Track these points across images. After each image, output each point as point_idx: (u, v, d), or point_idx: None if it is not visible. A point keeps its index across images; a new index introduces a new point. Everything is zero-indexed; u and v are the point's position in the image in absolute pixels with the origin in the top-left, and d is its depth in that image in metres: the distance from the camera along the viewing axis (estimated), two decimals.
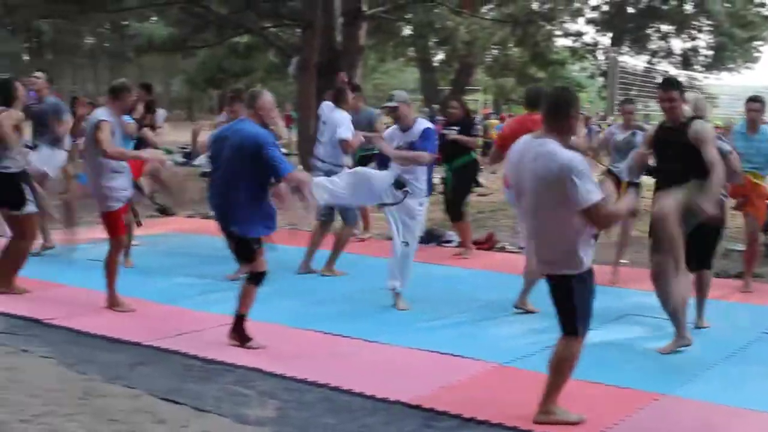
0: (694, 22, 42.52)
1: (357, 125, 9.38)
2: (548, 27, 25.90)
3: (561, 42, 37.29)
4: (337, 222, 9.45)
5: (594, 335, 5.11)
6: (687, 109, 6.69)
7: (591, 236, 4.86)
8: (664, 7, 41.88)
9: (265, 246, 6.58)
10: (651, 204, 6.78)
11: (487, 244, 11.13)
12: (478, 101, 41.77)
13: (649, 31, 44.06)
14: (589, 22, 43.78)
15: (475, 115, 12.03)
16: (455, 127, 10.51)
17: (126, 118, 8.12)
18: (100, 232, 7.87)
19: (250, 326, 6.49)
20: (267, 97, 6.52)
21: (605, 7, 43.62)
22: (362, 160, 10.17)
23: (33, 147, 9.53)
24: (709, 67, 43.29)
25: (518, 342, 6.77)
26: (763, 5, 39.12)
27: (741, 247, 9.02)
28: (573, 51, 41.21)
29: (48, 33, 50.69)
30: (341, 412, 5.21)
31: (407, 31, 30.00)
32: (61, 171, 10.09)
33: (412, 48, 34.26)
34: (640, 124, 9.37)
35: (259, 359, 6.13)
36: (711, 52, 43.31)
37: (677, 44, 44.39)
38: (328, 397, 5.47)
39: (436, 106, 29.33)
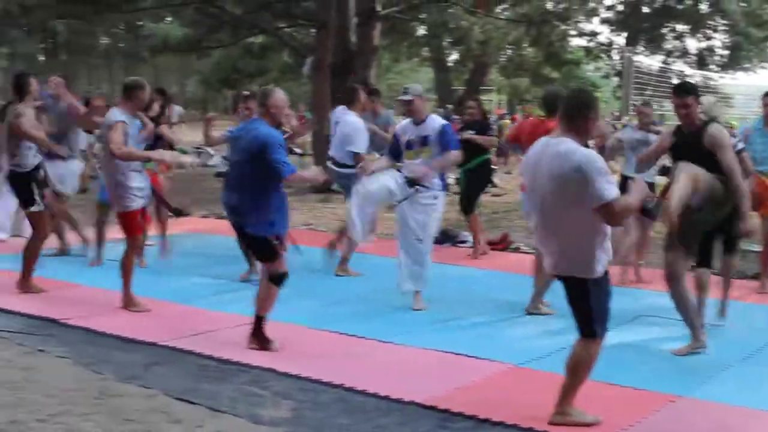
0: (709, 22, 42.39)
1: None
2: (563, 27, 25.84)
3: (576, 42, 37.27)
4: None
5: (610, 336, 5.09)
6: (702, 113, 6.65)
7: (606, 237, 4.83)
8: (679, 7, 41.78)
9: (290, 247, 6.58)
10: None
11: (502, 244, 11.11)
12: (492, 101, 41.74)
13: (664, 30, 43.97)
14: (604, 21, 43.73)
15: (490, 116, 12.01)
16: (472, 130, 10.50)
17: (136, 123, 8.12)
18: (117, 233, 7.90)
19: (266, 326, 6.48)
20: (279, 95, 6.47)
21: (620, 7, 43.56)
22: None
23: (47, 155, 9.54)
24: (725, 66, 43.16)
25: (533, 343, 6.75)
26: None
27: (758, 248, 8.98)
28: (588, 51, 41.16)
29: (63, 33, 50.90)
30: (356, 413, 5.21)
31: (421, 31, 30.01)
32: (79, 178, 10.06)
33: (427, 48, 34.26)
34: (658, 129, 9.32)
35: (273, 359, 6.14)
36: (726, 52, 43.17)
37: (692, 44, 44.33)
38: (343, 397, 5.47)
39: (450, 106, 29.28)
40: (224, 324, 7.07)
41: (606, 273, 4.86)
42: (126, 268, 7.53)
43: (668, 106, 28.39)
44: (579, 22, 32.45)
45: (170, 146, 9.40)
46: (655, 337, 6.99)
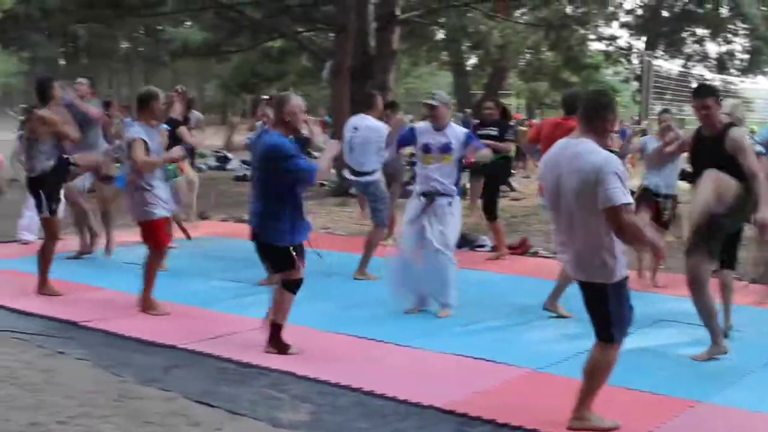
0: (729, 26, 42.23)
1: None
2: (582, 31, 25.74)
3: (595, 46, 37.09)
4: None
5: (629, 341, 5.07)
6: (724, 116, 6.60)
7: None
8: (700, 11, 41.60)
9: (311, 251, 6.59)
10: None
11: (521, 248, 11.09)
12: (510, 105, 41.67)
13: (684, 34, 43.81)
14: (623, 25, 43.62)
15: (512, 121, 11.95)
16: (493, 128, 10.45)
17: (163, 125, 8.20)
18: (135, 236, 7.94)
19: (284, 330, 6.48)
20: (295, 101, 6.42)
21: (640, 11, 43.42)
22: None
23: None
24: (745, 71, 42.95)
25: (552, 347, 6.74)
26: None
27: None
28: (607, 55, 40.98)
29: (84, 38, 51.15)
30: (374, 417, 5.21)
31: (440, 35, 29.98)
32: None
33: (445, 52, 34.22)
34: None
35: (292, 363, 6.15)
36: (747, 56, 42.98)
37: (712, 48, 44.15)
38: (362, 401, 5.47)
39: (468, 110, 29.26)
40: (243, 327, 7.08)
41: (625, 278, 4.84)
42: (149, 274, 7.57)
43: (688, 111, 28.22)
44: (598, 26, 32.38)
45: (192, 150, 9.47)
46: (674, 342, 6.96)
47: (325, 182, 17.65)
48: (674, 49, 43.82)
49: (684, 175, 8.98)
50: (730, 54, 43.82)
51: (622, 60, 43.18)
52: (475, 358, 6.37)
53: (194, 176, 11.61)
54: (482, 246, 11.21)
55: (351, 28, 18.87)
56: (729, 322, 6.96)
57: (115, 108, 11.37)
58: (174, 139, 9.20)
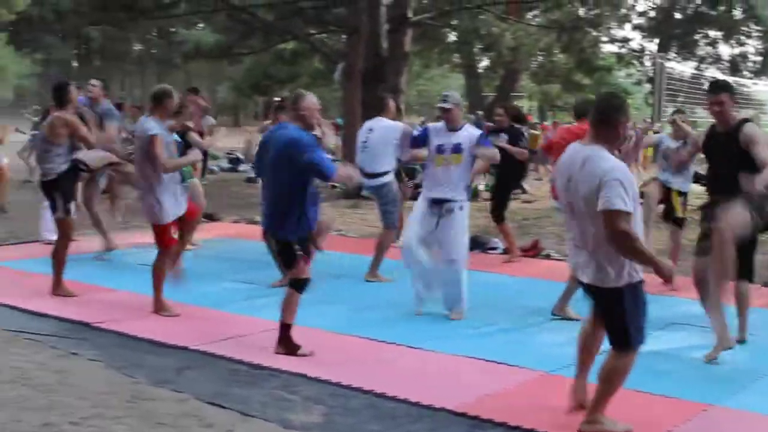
0: (742, 28, 42.09)
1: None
2: (594, 33, 25.70)
3: (607, 48, 36.98)
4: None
5: None
6: (737, 113, 6.57)
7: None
8: (712, 13, 41.49)
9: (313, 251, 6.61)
10: (703, 211, 6.67)
11: (533, 251, 11.08)
12: (522, 108, 41.63)
13: (696, 36, 43.70)
14: (636, 28, 43.56)
15: (523, 127, 11.88)
16: (503, 135, 10.43)
17: (174, 136, 8.22)
18: (149, 237, 7.96)
19: (295, 332, 6.50)
20: (311, 99, 6.46)
21: (652, 13, 43.34)
22: (407, 172, 10.24)
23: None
24: (758, 73, 42.82)
25: (565, 350, 6.68)
26: None
27: None
28: (619, 57, 40.83)
29: (97, 40, 51.44)
30: (386, 419, 5.21)
31: (452, 37, 29.97)
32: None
33: (457, 54, 34.20)
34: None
35: (304, 365, 6.16)
36: (760, 58, 42.85)
37: (725, 50, 44.03)
38: (374, 403, 5.47)
39: (480, 113, 29.23)
40: (255, 329, 7.10)
41: (640, 281, 4.80)
42: (157, 274, 7.59)
43: (701, 113, 28.20)
44: (611, 28, 32.32)
45: (204, 153, 9.51)
46: (687, 345, 6.94)
47: (337, 184, 17.66)
48: (687, 51, 43.74)
49: (697, 178, 8.96)
50: (743, 56, 43.71)
51: (635, 62, 43.05)
52: (487, 361, 6.36)
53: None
54: (494, 248, 11.20)
55: (363, 30, 18.88)
56: (745, 333, 6.91)
57: (127, 109, 11.41)
58: (186, 144, 9.23)
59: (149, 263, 7.74)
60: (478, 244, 11.15)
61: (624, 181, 4.56)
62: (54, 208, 8.20)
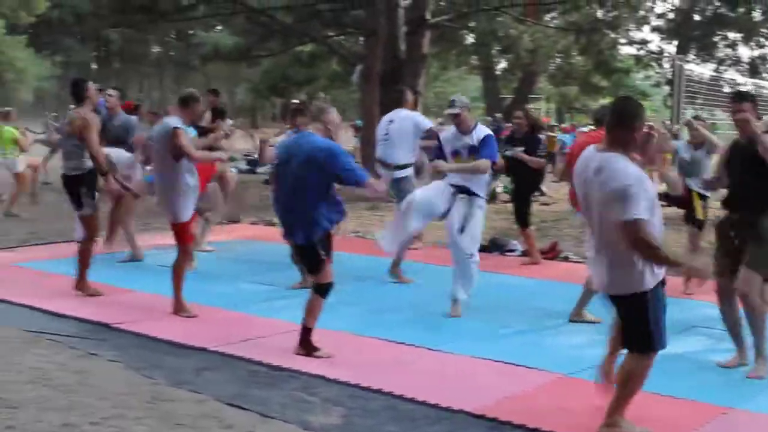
0: (762, 30, 41.82)
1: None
2: (612, 35, 25.67)
3: (625, 50, 36.92)
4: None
5: None
6: (759, 125, 6.51)
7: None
8: (732, 15, 41.24)
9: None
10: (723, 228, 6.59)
11: (551, 253, 11.05)
12: (540, 110, 41.56)
13: (716, 38, 43.45)
14: (655, 29, 43.31)
15: (542, 133, 11.80)
16: (520, 147, 10.32)
17: (190, 130, 8.26)
18: (169, 239, 8.00)
19: (314, 333, 6.51)
20: (335, 112, 6.65)
21: (671, 15, 43.13)
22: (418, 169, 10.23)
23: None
24: None
25: (583, 352, 6.69)
26: None
27: None
28: (638, 59, 40.75)
29: (116, 42, 51.72)
30: (405, 421, 5.22)
31: (470, 39, 30.00)
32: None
33: (475, 56, 34.23)
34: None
35: (323, 366, 6.17)
36: None
37: (745, 52, 43.74)
38: (392, 405, 5.48)
39: (499, 115, 29.22)
40: (274, 330, 7.12)
41: (660, 284, 4.76)
42: (177, 275, 7.63)
43: (720, 115, 28.07)
44: (629, 30, 32.23)
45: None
46: (707, 349, 6.91)
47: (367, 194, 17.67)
48: (706, 53, 43.48)
49: (706, 185, 8.89)
50: (763, 58, 43.39)
51: (653, 64, 42.89)
52: (505, 363, 6.36)
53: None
54: (512, 250, 11.18)
55: (381, 32, 18.91)
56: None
57: (143, 114, 11.42)
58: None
59: (168, 264, 7.78)
60: (496, 246, 11.14)
61: (639, 188, 4.52)
62: (79, 205, 8.23)
